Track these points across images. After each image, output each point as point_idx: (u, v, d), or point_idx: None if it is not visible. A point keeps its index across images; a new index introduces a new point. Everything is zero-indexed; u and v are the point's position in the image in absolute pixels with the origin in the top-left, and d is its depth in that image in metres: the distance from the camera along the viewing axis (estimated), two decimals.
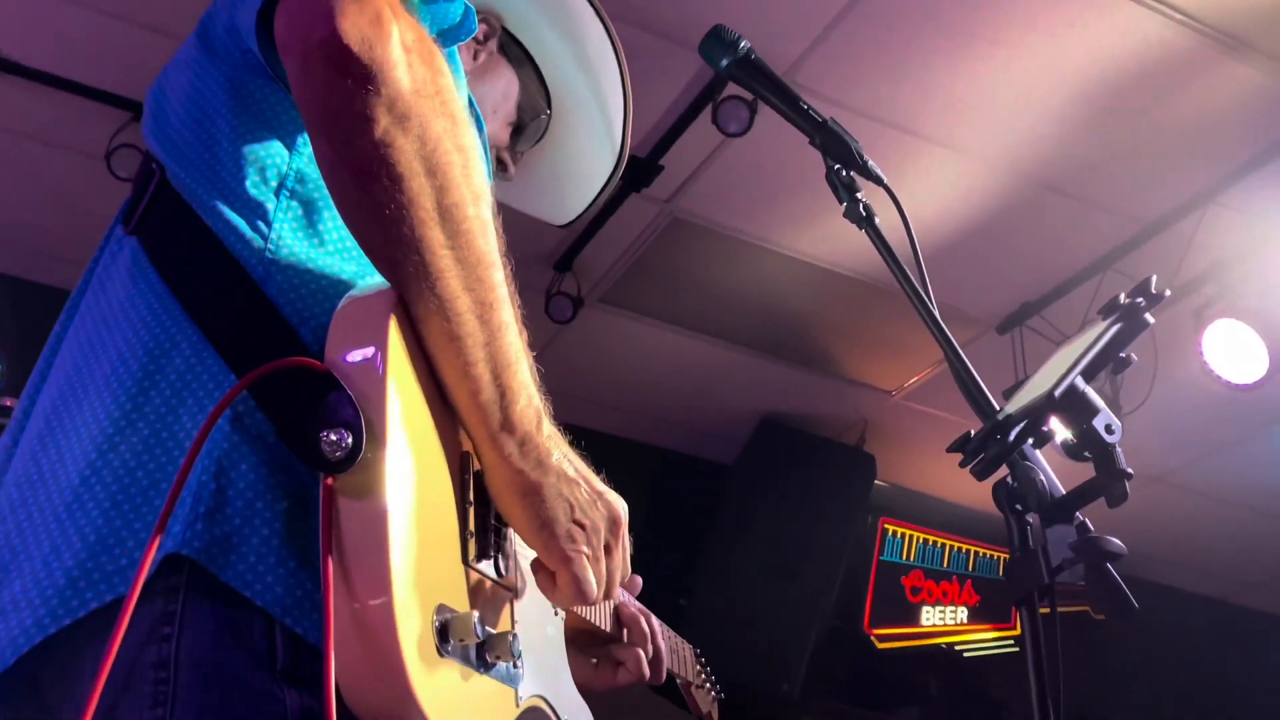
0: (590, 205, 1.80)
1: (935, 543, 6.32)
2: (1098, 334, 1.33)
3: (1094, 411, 1.27)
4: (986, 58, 3.88)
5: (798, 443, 5.91)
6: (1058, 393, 1.25)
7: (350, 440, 0.97)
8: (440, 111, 1.07)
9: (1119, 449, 1.28)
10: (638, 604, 1.56)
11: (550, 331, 4.99)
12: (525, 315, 1.27)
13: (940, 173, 4.36)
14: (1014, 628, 6.33)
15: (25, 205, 4.73)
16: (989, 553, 6.39)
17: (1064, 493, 1.30)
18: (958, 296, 4.91)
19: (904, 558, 6.24)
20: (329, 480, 0.97)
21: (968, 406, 1.45)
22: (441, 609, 1.00)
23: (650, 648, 1.52)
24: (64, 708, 1.02)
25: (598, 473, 1.20)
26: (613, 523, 1.16)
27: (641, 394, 5.78)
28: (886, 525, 6.21)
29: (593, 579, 1.12)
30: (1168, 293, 1.34)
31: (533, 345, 1.34)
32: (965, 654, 6.24)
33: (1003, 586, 6.23)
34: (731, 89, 3.82)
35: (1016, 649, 6.44)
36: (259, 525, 1.01)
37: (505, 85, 1.64)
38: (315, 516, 0.97)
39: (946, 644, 6.20)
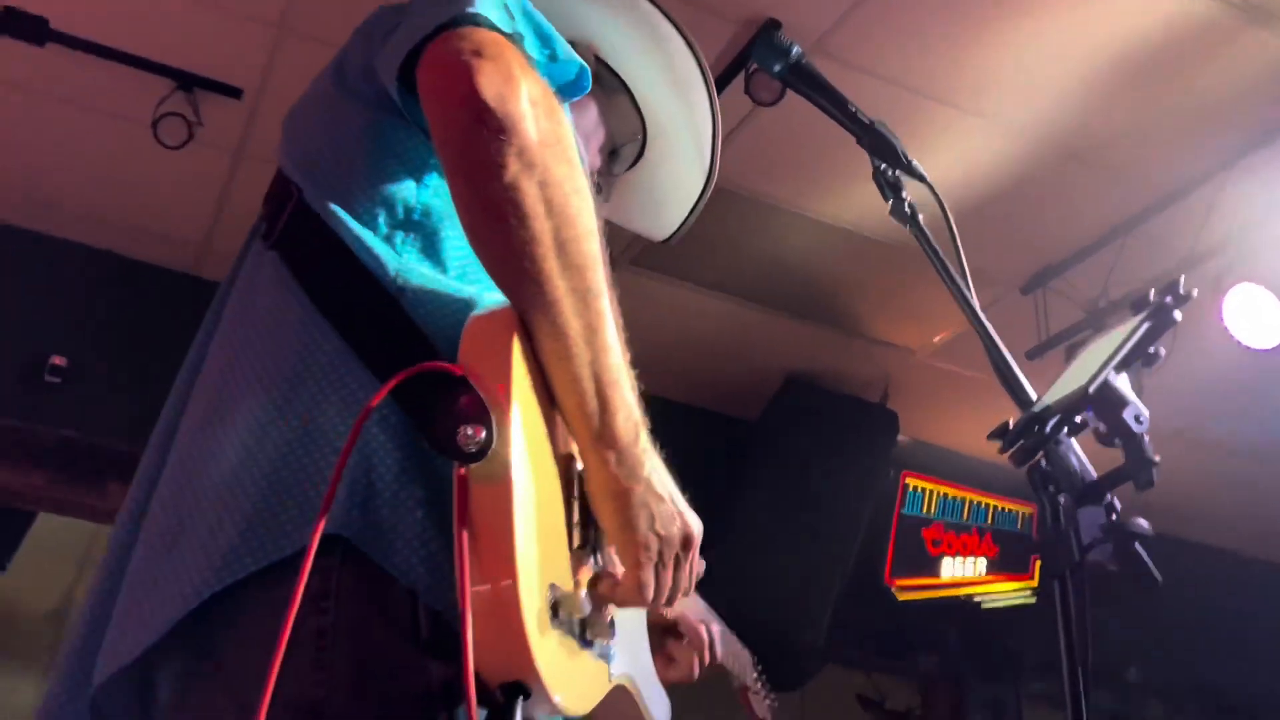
0: (686, 221, 1.89)
1: (955, 496, 6.41)
2: (1130, 331, 1.44)
3: (1125, 404, 1.38)
4: (1014, 27, 3.94)
5: (821, 400, 5.99)
6: (1093, 389, 1.36)
7: (484, 435, 1.10)
8: (561, 159, 1.18)
9: (1147, 437, 1.40)
10: (707, 608, 1.68)
11: None
12: None
13: (968, 139, 4.43)
14: (1031, 579, 6.45)
15: (72, 172, 4.84)
16: (1008, 506, 6.49)
17: (1095, 476, 1.41)
18: (983, 258, 4.98)
19: (925, 511, 6.34)
20: (462, 470, 1.10)
21: (987, 363, 1.54)
22: (554, 587, 1.13)
23: (707, 656, 1.65)
24: (227, 661, 1.14)
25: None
26: (686, 540, 1.28)
27: (669, 353, 5.88)
28: (908, 479, 6.29)
29: (653, 585, 1.24)
30: (1195, 292, 1.45)
31: None
32: (984, 605, 6.36)
33: (1034, 550, 6.31)
34: None
35: (1034, 600, 6.56)
36: (403, 514, 1.14)
37: (597, 113, 1.73)
38: (448, 504, 1.10)
39: (965, 595, 6.33)
